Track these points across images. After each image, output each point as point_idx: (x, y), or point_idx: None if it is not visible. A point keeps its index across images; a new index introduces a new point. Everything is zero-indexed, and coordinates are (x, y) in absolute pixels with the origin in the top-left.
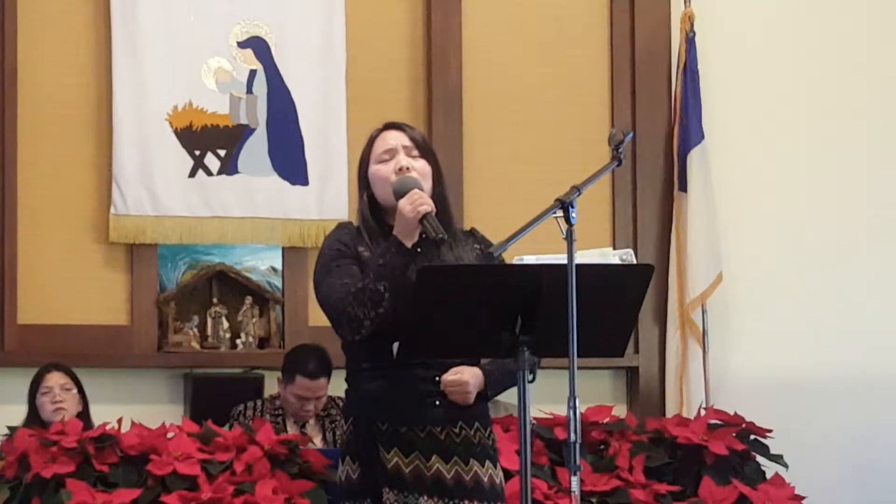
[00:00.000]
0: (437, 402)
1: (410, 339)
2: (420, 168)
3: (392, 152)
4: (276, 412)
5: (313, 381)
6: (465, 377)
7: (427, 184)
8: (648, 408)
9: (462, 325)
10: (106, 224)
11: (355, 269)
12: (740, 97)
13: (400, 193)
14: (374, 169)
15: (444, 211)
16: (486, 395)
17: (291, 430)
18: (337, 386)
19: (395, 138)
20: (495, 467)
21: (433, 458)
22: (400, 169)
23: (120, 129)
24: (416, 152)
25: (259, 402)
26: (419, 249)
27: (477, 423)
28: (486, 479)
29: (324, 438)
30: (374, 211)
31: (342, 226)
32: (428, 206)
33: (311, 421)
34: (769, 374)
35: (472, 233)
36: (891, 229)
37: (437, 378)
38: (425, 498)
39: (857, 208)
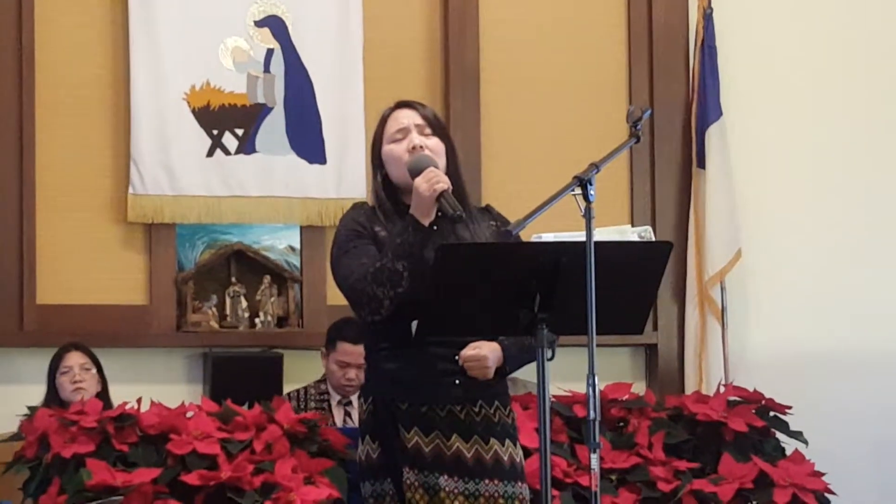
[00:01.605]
0: (457, 381)
1: (429, 319)
2: (433, 146)
3: (405, 131)
4: (322, 397)
5: (354, 346)
6: (484, 352)
7: (441, 161)
8: (667, 385)
9: (480, 303)
10: (124, 204)
11: (372, 250)
12: (758, 73)
13: (415, 172)
14: (388, 148)
15: (458, 188)
16: (504, 371)
17: (337, 415)
18: None
19: (408, 117)
20: (515, 446)
21: (453, 437)
22: (413, 148)
23: (137, 109)
24: (428, 130)
25: (303, 389)
26: (435, 227)
27: (497, 402)
28: (506, 458)
29: None
30: (389, 190)
31: (357, 206)
32: (444, 183)
33: (355, 402)
34: (788, 350)
35: (488, 210)
36: None
37: (456, 357)
38: (445, 477)
39: (877, 183)
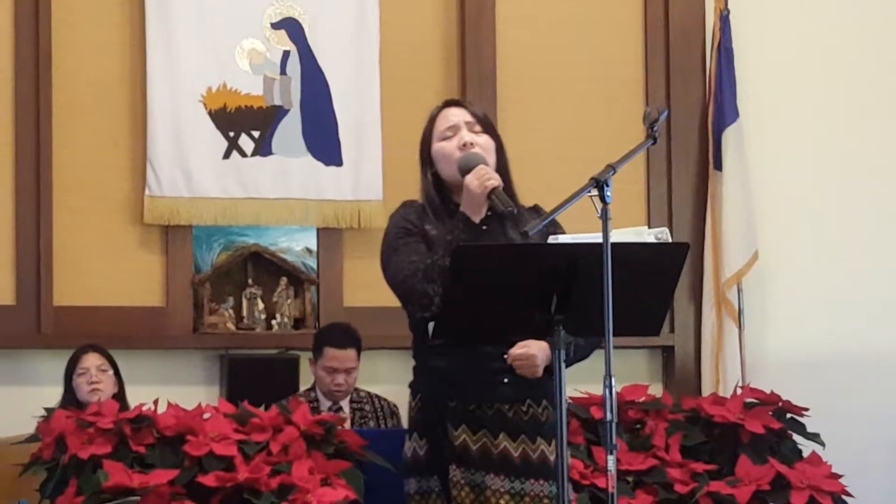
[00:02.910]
0: (506, 380)
1: (445, 320)
2: (483, 143)
3: (455, 129)
4: (312, 405)
5: (341, 351)
6: (532, 350)
7: (491, 158)
8: (684, 387)
9: (497, 304)
10: (141, 206)
11: (422, 247)
12: (775, 75)
13: (466, 169)
14: (438, 146)
15: (507, 186)
16: (551, 371)
17: None
18: (379, 385)
19: (457, 115)
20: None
21: (500, 435)
22: (464, 145)
23: (154, 111)
24: (478, 128)
25: (292, 399)
26: (485, 227)
27: (545, 401)
28: (552, 458)
29: None
30: (439, 188)
31: (407, 204)
32: (495, 180)
33: (345, 408)
34: (805, 352)
35: (536, 209)
36: None
37: (505, 355)
38: (492, 476)
39: (895, 185)
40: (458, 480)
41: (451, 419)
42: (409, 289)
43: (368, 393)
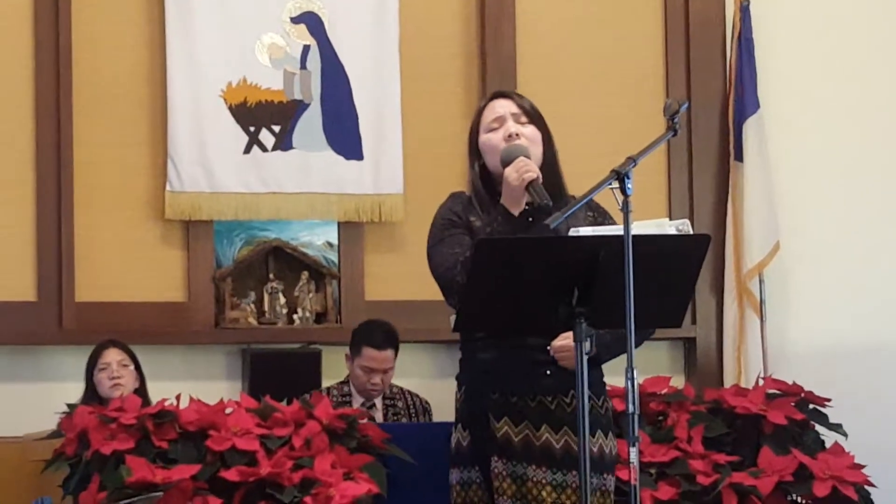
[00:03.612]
0: (548, 372)
1: (468, 312)
2: (530, 134)
3: (501, 120)
4: (344, 398)
5: (380, 352)
6: (570, 342)
7: (538, 149)
8: (706, 378)
9: (519, 297)
10: (162, 201)
11: (466, 239)
12: (796, 65)
13: (507, 161)
14: (485, 138)
15: (555, 177)
16: (599, 360)
17: None
18: (401, 378)
19: (504, 106)
20: (607, 437)
21: (543, 427)
22: (510, 136)
23: (174, 106)
24: (524, 119)
25: (325, 390)
26: (531, 219)
27: (590, 393)
28: (595, 450)
29: None
30: (486, 180)
31: (454, 195)
32: (533, 172)
33: (378, 404)
34: (827, 342)
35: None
36: None
37: (548, 347)
38: (534, 468)
39: None
40: (500, 472)
41: (493, 411)
42: (448, 280)
43: (401, 389)
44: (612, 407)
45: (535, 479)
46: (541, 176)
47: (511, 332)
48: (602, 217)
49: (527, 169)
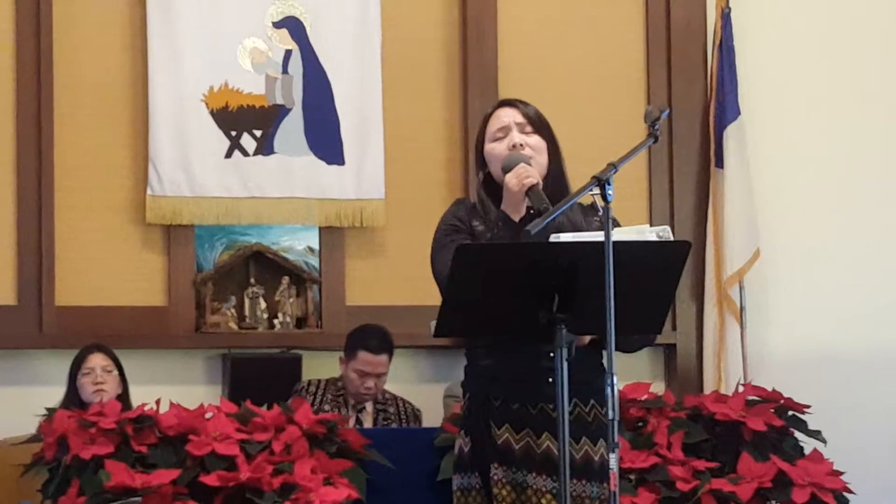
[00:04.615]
0: (550, 379)
1: (447, 318)
2: (534, 144)
3: (505, 129)
4: (338, 393)
5: (375, 356)
6: None
7: (542, 158)
8: (686, 384)
9: (499, 303)
10: (143, 205)
11: None
12: (776, 72)
13: (507, 169)
14: (490, 147)
15: (560, 184)
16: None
17: (350, 417)
18: (397, 386)
19: (509, 115)
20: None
21: (544, 435)
22: (514, 146)
23: (156, 110)
24: (529, 128)
25: (322, 382)
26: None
27: (593, 400)
28: (596, 458)
29: None
30: (492, 189)
31: (459, 201)
32: (533, 178)
33: (368, 408)
34: (807, 349)
35: (593, 206)
36: None
37: (551, 354)
38: (533, 475)
39: None
40: (500, 479)
41: (494, 417)
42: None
43: (394, 395)
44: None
45: (535, 486)
46: (541, 182)
47: (491, 338)
48: (612, 222)
49: (526, 175)
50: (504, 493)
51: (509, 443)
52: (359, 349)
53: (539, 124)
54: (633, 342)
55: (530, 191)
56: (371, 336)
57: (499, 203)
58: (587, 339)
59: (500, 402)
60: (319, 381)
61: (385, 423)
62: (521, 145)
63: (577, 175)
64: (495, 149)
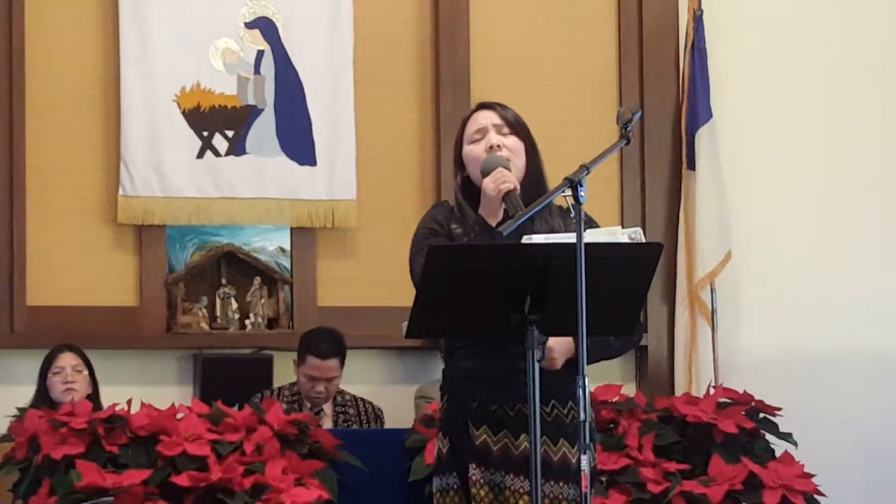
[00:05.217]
0: None
1: (419, 319)
2: (511, 145)
3: (483, 131)
4: (293, 398)
5: (323, 361)
6: (550, 343)
7: (520, 160)
8: (658, 386)
9: (470, 304)
10: (114, 205)
11: None
12: (748, 75)
13: (486, 172)
14: (468, 149)
15: (538, 186)
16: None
17: None
18: (352, 384)
19: (486, 117)
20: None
21: (521, 436)
22: (490, 147)
23: (128, 110)
24: (506, 130)
25: (276, 390)
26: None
27: (571, 402)
28: (574, 460)
29: None
30: (471, 192)
31: (438, 205)
32: (510, 183)
33: (327, 410)
34: (778, 352)
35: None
36: None
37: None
38: (511, 476)
39: (867, 185)
40: (478, 479)
41: (472, 419)
42: None
43: (354, 396)
44: (594, 417)
45: (512, 487)
46: (518, 187)
47: (463, 339)
48: (588, 223)
49: (504, 180)
50: (482, 493)
51: (487, 444)
52: (307, 354)
53: (517, 126)
54: (614, 349)
55: (507, 196)
56: (320, 340)
57: (477, 206)
58: (560, 362)
59: (477, 403)
60: (273, 390)
61: (345, 424)
62: (499, 146)
63: (550, 176)
64: (472, 151)
